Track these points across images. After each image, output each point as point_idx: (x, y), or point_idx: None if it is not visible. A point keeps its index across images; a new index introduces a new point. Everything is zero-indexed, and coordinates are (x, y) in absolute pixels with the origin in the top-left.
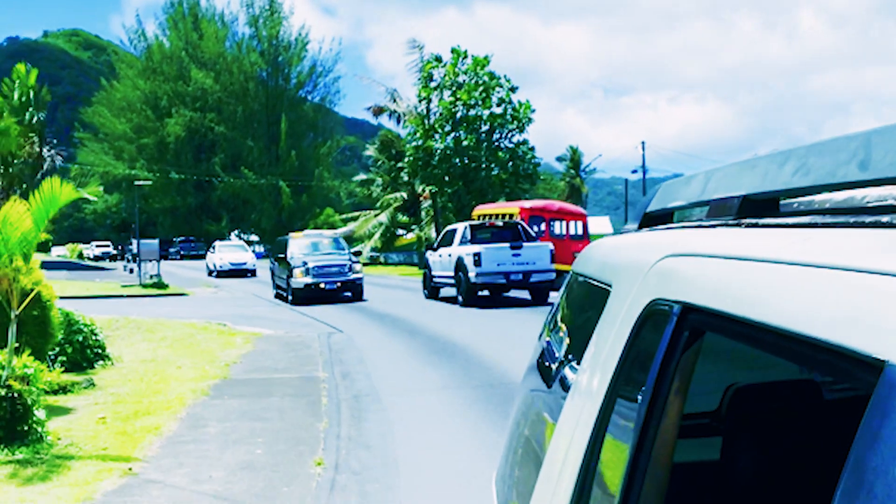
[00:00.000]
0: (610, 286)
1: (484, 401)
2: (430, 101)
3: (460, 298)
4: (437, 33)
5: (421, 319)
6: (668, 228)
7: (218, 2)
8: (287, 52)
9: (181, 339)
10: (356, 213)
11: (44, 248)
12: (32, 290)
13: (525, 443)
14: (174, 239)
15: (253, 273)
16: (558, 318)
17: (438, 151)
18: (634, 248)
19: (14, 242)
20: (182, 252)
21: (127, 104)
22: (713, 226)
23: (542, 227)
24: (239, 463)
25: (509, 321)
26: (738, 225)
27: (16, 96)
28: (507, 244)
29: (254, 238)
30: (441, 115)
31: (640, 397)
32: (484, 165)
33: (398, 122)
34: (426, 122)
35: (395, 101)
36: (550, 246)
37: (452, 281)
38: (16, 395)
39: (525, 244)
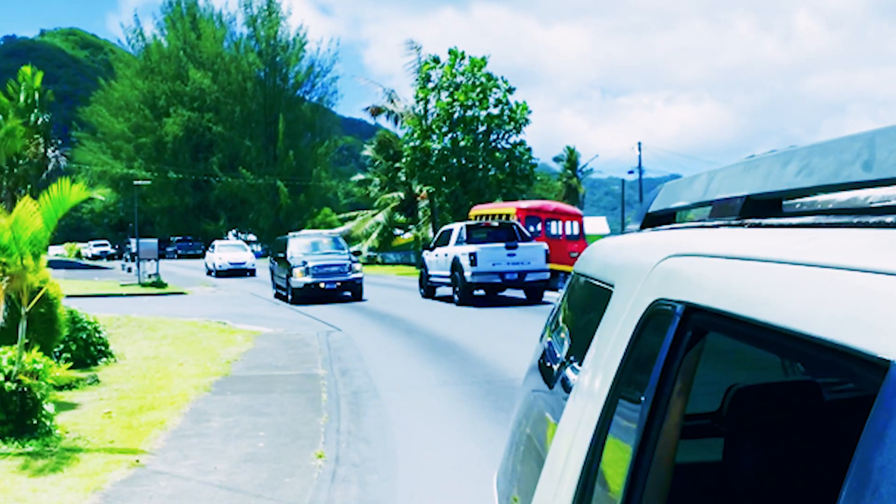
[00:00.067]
0: (612, 286)
1: (480, 397)
2: (427, 101)
3: (456, 298)
4: (434, 33)
5: (418, 318)
6: (670, 229)
7: (216, 2)
8: (285, 52)
9: (182, 337)
10: (354, 213)
11: None
12: (40, 288)
13: (527, 441)
14: (172, 238)
15: (252, 273)
16: (559, 319)
17: (436, 152)
18: (637, 249)
19: (24, 241)
20: (179, 251)
21: (125, 103)
22: (716, 226)
23: (539, 227)
24: (242, 455)
25: (505, 320)
26: (742, 225)
27: (21, 98)
28: (503, 244)
29: (251, 238)
30: (438, 115)
31: (642, 397)
32: (481, 166)
33: (396, 122)
34: (424, 122)
35: (392, 101)
36: (545, 246)
37: (449, 280)
38: (26, 389)
39: (520, 244)
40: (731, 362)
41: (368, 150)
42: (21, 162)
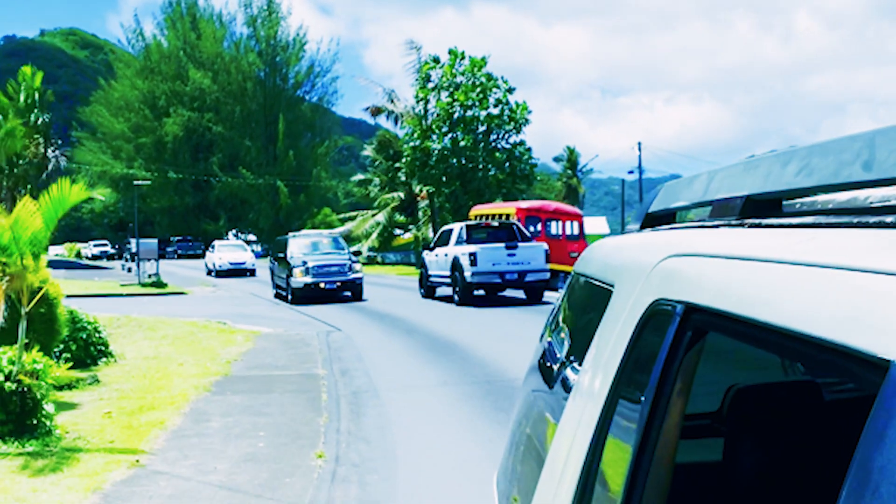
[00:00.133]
0: (612, 286)
1: (480, 397)
2: (427, 101)
3: (456, 298)
4: (434, 33)
5: (418, 318)
6: (670, 229)
7: (216, 2)
8: (285, 52)
9: (182, 337)
10: (354, 213)
11: None
12: (40, 288)
13: (527, 441)
14: (171, 238)
15: (252, 273)
16: (559, 320)
17: (436, 152)
18: (637, 249)
19: (24, 241)
20: (179, 251)
21: (125, 103)
22: (716, 226)
23: (539, 227)
24: (242, 455)
25: (504, 320)
26: (742, 225)
27: (21, 98)
28: (503, 244)
29: (251, 238)
30: (438, 115)
31: (642, 397)
32: (481, 166)
33: (396, 122)
34: (424, 122)
35: (392, 101)
36: (545, 246)
37: (449, 280)
38: (26, 389)
39: (520, 244)
40: (730, 362)
41: (368, 150)
42: (21, 162)
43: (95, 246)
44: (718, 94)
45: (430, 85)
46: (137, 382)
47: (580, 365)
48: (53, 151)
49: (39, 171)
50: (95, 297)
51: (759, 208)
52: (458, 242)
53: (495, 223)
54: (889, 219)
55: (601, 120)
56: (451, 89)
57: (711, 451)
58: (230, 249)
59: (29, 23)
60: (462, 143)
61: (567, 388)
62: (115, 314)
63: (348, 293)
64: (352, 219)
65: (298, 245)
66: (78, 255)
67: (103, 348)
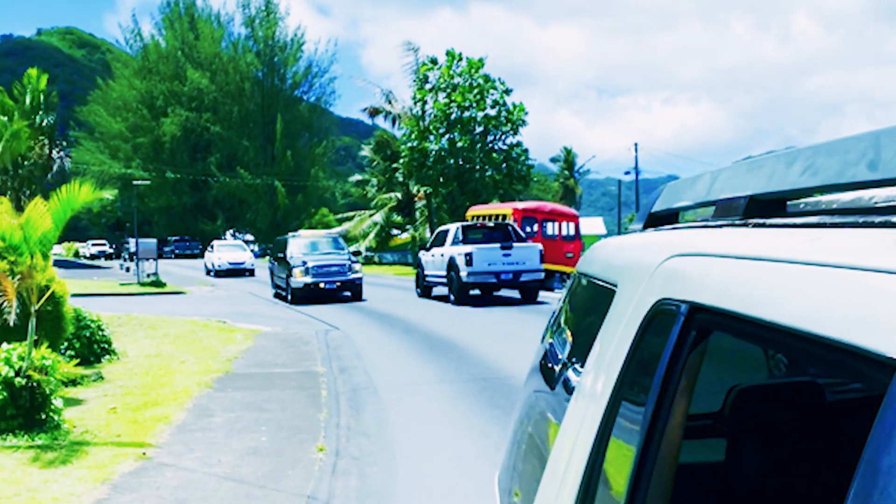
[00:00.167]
0: (615, 286)
1: (475, 393)
2: (425, 102)
3: (452, 297)
4: (431, 33)
5: (415, 318)
6: (673, 228)
7: (214, 2)
8: (283, 52)
9: (183, 336)
10: (351, 213)
11: None
12: (48, 286)
13: (529, 440)
14: (169, 238)
15: (251, 273)
16: (561, 321)
17: (433, 153)
18: (640, 248)
19: (34, 241)
20: (177, 251)
21: (123, 103)
22: (720, 226)
23: (535, 227)
24: (246, 449)
25: (500, 319)
26: (746, 225)
27: (27, 100)
28: (498, 244)
29: (249, 238)
30: (436, 116)
31: (646, 397)
32: (478, 167)
33: (394, 123)
34: (421, 123)
35: (390, 102)
36: (540, 246)
37: (445, 280)
38: (35, 384)
39: (515, 244)
40: (732, 363)
41: (366, 151)
42: (26, 163)
43: (93, 245)
44: (716, 95)
45: (428, 86)
46: (140, 379)
47: (582, 365)
48: (58, 152)
49: (44, 171)
50: (96, 296)
51: (763, 208)
52: (455, 243)
53: (491, 224)
54: (895, 218)
55: (598, 120)
56: (449, 90)
57: (713, 452)
58: (229, 249)
59: (26, 22)
60: (459, 144)
61: (569, 388)
62: (116, 313)
63: (348, 293)
64: (349, 219)
65: (298, 245)
66: (76, 254)
67: (106, 346)
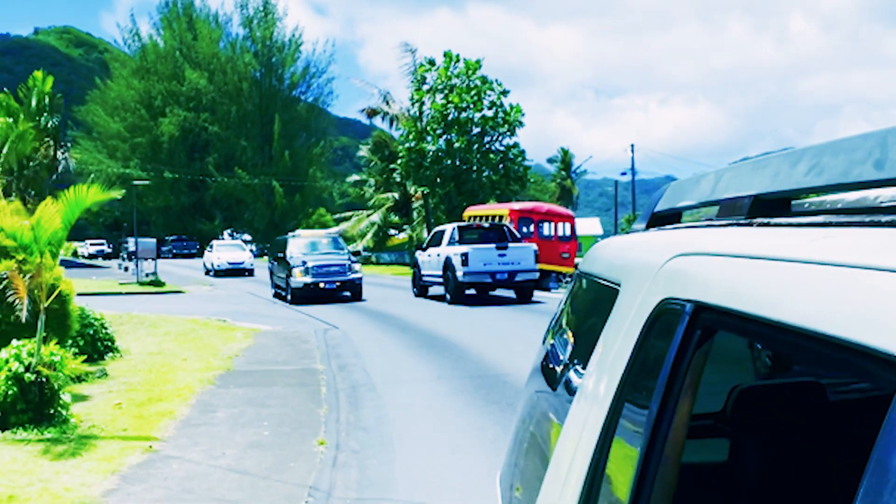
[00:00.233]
0: (619, 286)
1: (472, 390)
2: (422, 103)
3: (448, 297)
4: (429, 33)
5: (411, 316)
6: (676, 228)
7: (212, 2)
8: (281, 52)
9: (184, 334)
10: (348, 213)
11: None
12: (55, 285)
13: (531, 439)
14: (167, 238)
15: (251, 272)
16: (563, 322)
17: (430, 153)
18: (644, 248)
19: (44, 241)
20: (175, 251)
21: (121, 103)
22: (724, 225)
23: (531, 228)
24: (249, 442)
25: (495, 318)
26: (750, 224)
27: (33, 102)
28: (493, 245)
29: (247, 237)
30: (433, 117)
31: (650, 397)
32: (475, 167)
33: (391, 124)
34: (419, 124)
35: (388, 103)
36: (534, 247)
37: (441, 280)
38: (44, 380)
39: (510, 245)
40: (733, 363)
41: (364, 151)
42: (31, 164)
43: (92, 245)
44: (712, 96)
45: (426, 87)
46: (144, 376)
47: (584, 366)
48: (63, 153)
49: (49, 172)
50: (97, 294)
51: (768, 208)
52: (451, 243)
53: (486, 224)
54: None
55: (595, 121)
56: (446, 91)
57: (714, 452)
58: (228, 249)
59: (23, 21)
60: (456, 145)
61: (570, 389)
62: (117, 311)
63: (348, 293)
64: (347, 219)
65: (298, 245)
66: (74, 253)
67: (110, 344)
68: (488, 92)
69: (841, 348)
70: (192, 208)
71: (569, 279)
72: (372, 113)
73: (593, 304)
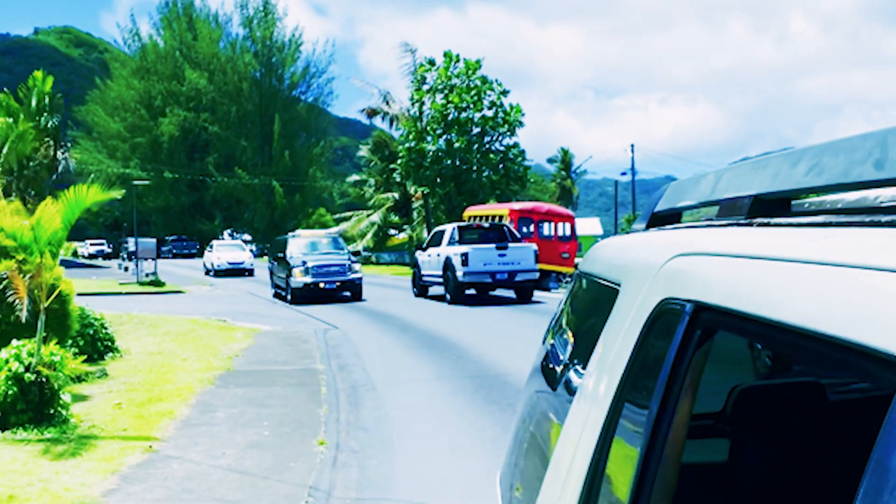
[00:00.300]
0: (619, 286)
1: (471, 390)
2: (422, 103)
3: (448, 297)
4: (429, 33)
5: (412, 316)
6: (677, 228)
7: (212, 2)
8: (281, 53)
9: (184, 334)
10: (348, 213)
11: None
12: (55, 285)
13: (531, 439)
14: (167, 238)
15: (251, 273)
16: (563, 322)
17: (430, 153)
18: (644, 248)
19: (44, 241)
20: (174, 251)
21: (121, 103)
22: (724, 225)
23: (531, 228)
24: (249, 442)
25: (495, 318)
26: (750, 224)
27: (33, 102)
28: (493, 245)
29: (246, 237)
30: (433, 117)
31: (650, 397)
32: (475, 167)
33: (391, 124)
34: (419, 124)
35: (388, 103)
36: (534, 247)
37: (441, 280)
38: (44, 380)
39: (510, 245)
40: (733, 363)
41: (364, 151)
42: (31, 164)
43: (92, 245)
44: (712, 96)
45: (426, 87)
46: (144, 376)
47: (584, 366)
48: (63, 153)
49: (49, 172)
50: (96, 294)
51: (768, 208)
52: (451, 243)
53: (486, 224)
54: None
55: (595, 121)
56: (446, 91)
57: (714, 452)
58: (229, 249)
59: (23, 21)
60: (456, 145)
61: (570, 389)
62: (117, 311)
63: (348, 293)
64: (346, 219)
65: (298, 245)
66: (74, 253)
67: (110, 343)
68: (488, 92)
69: (841, 348)
70: (192, 208)
71: (569, 279)
72: (372, 113)
73: (593, 304)
